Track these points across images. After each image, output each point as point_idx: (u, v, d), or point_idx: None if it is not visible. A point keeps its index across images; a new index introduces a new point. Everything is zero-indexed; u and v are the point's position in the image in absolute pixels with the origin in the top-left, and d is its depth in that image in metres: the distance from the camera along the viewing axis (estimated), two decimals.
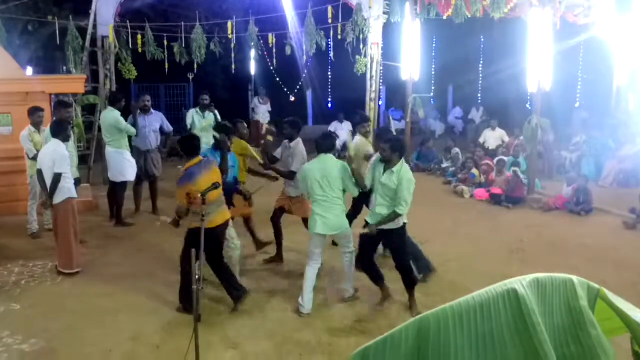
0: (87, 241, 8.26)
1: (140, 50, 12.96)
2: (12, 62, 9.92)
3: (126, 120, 9.17)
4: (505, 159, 11.92)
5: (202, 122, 10.10)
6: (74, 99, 11.00)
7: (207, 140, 10.10)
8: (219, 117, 10.28)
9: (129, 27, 12.76)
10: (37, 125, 8.37)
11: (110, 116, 9.02)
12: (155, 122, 9.62)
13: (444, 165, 13.62)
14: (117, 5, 12.22)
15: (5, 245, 7.95)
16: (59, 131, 7.05)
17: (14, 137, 9.12)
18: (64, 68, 14.31)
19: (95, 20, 12.00)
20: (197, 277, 4.57)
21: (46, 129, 7.97)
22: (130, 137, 9.28)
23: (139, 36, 12.86)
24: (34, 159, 8.32)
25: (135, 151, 9.50)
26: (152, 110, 9.70)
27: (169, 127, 9.91)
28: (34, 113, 8.38)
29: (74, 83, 10.14)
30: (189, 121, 10.16)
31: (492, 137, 14.57)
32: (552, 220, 9.75)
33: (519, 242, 8.49)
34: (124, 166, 9.02)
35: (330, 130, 13.55)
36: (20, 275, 7.10)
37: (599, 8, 12.04)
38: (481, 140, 14.78)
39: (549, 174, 12.87)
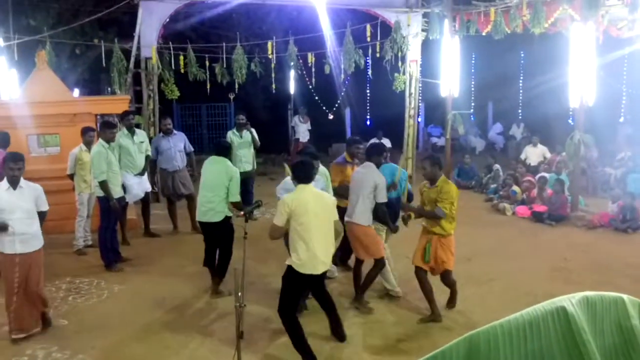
0: (131, 258, 8.51)
1: (182, 70, 13.21)
2: (60, 84, 10.26)
3: (150, 141, 9.90)
4: (547, 175, 11.73)
5: (239, 141, 10.33)
6: (118, 119, 11.29)
7: (246, 158, 10.33)
8: (255, 135, 10.49)
9: (172, 49, 13.04)
10: (88, 144, 8.69)
11: None
12: (179, 142, 10.01)
13: (485, 181, 13.46)
14: (159, 27, 12.51)
15: (53, 263, 8.13)
16: None
17: (61, 157, 9.41)
18: (109, 89, 14.73)
19: (139, 42, 12.33)
20: (239, 294, 4.63)
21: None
22: (156, 159, 9.78)
23: (181, 57, 13.12)
24: (71, 177, 8.82)
25: (164, 172, 9.96)
26: (175, 131, 10.11)
27: (189, 147, 10.26)
28: (86, 133, 8.75)
29: (118, 103, 10.41)
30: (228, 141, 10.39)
31: (534, 154, 14.37)
32: (596, 238, 9.54)
33: (562, 260, 8.33)
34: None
35: None
36: (67, 292, 7.31)
37: None
38: (522, 156, 14.59)
39: (592, 191, 12.60)
